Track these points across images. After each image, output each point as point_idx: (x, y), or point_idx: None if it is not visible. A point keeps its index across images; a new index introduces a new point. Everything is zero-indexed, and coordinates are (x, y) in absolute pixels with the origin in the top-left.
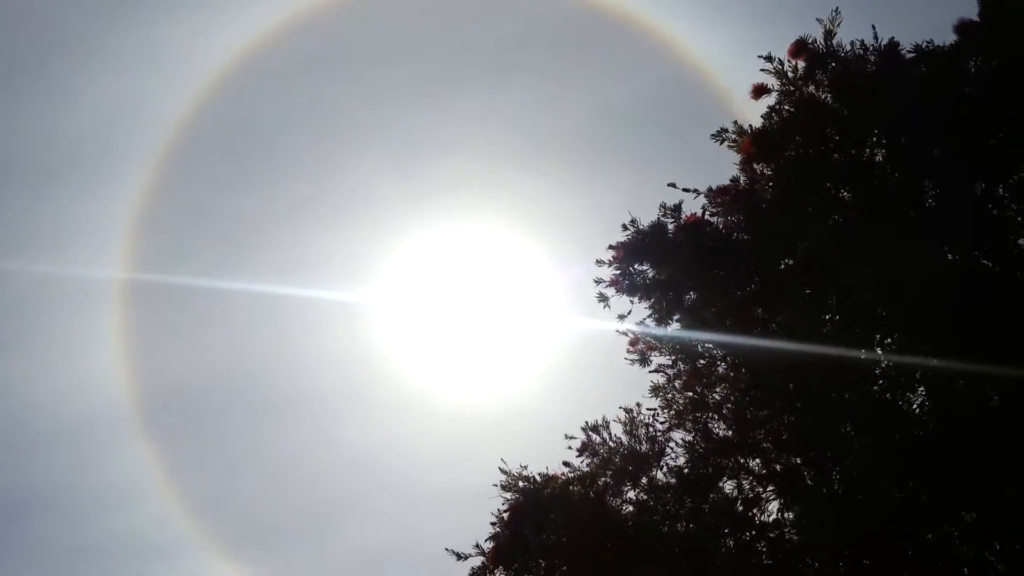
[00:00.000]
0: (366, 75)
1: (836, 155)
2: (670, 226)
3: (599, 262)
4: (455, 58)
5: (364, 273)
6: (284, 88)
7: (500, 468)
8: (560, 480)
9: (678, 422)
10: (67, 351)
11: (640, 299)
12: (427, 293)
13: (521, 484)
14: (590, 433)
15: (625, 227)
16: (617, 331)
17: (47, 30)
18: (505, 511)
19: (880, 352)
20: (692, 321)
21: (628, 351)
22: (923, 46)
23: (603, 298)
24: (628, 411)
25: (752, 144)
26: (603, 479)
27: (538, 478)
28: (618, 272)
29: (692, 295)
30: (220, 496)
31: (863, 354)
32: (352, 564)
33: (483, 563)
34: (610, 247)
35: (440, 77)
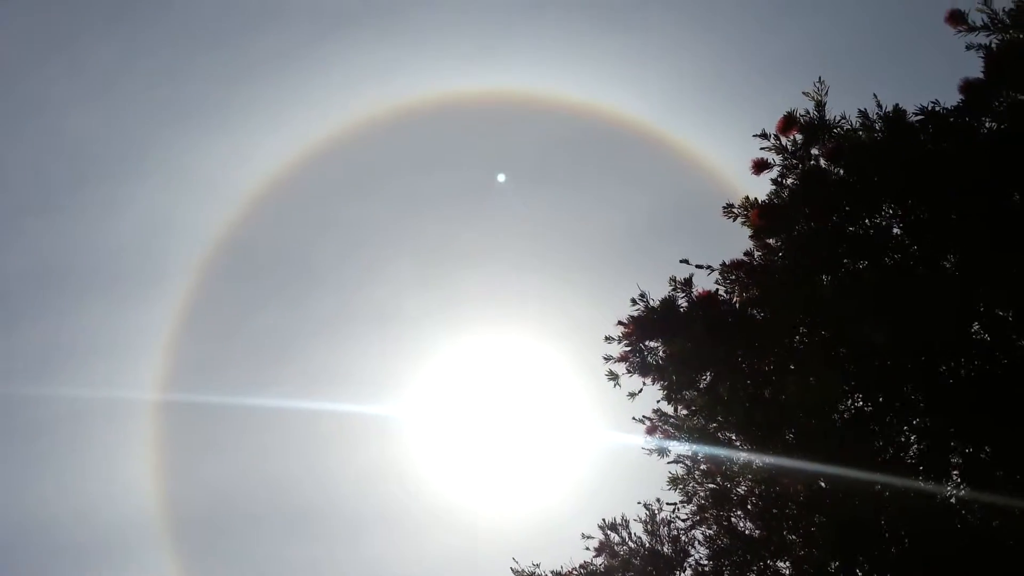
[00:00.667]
0: (391, 191)
1: (849, 227)
2: (681, 300)
3: (608, 338)
4: (481, 170)
5: (393, 387)
6: (314, 206)
7: (512, 568)
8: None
9: (700, 518)
10: (98, 466)
11: (653, 380)
12: (457, 405)
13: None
14: (608, 532)
15: (634, 301)
16: (633, 418)
17: (93, 145)
18: None
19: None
20: (707, 402)
21: (645, 440)
22: (928, 108)
23: (613, 376)
24: (648, 507)
25: (760, 217)
26: None
27: (550, 575)
28: (628, 349)
29: (707, 375)
30: None
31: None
32: None
33: None
34: (619, 323)
35: (465, 189)
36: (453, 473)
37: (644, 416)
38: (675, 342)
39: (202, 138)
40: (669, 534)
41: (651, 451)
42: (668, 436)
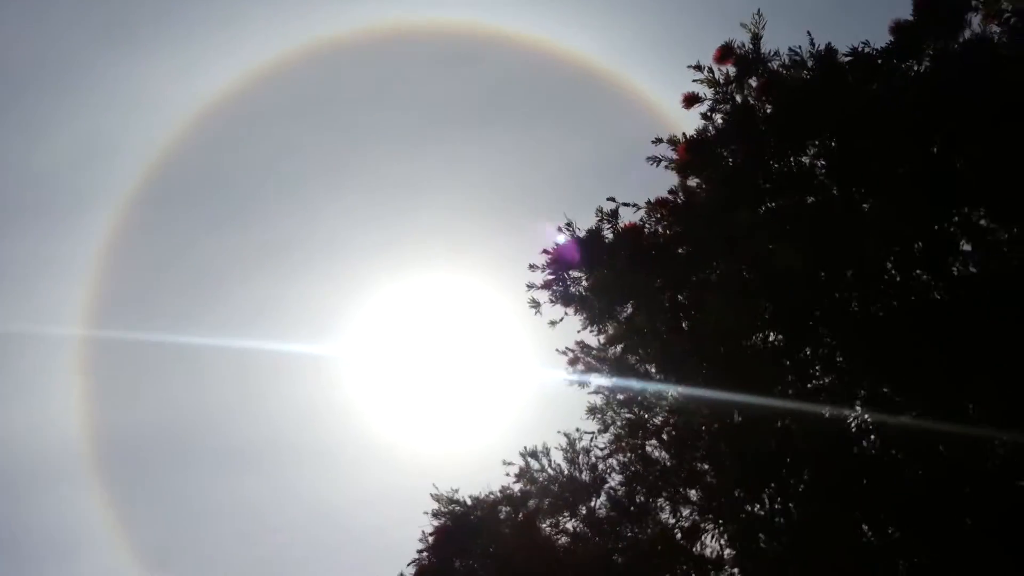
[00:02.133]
0: (343, 123)
1: (773, 163)
2: (607, 232)
3: (532, 266)
4: (432, 109)
5: (333, 325)
6: (258, 133)
7: (431, 494)
8: (489, 501)
9: (616, 447)
10: (21, 397)
11: (575, 311)
12: (396, 345)
13: (451, 508)
14: (528, 459)
15: (560, 230)
16: (556, 350)
17: (26, 62)
18: (431, 535)
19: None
20: (625, 332)
21: (568, 371)
22: (859, 49)
23: (535, 304)
24: (568, 436)
25: (687, 151)
26: (535, 502)
27: (468, 501)
28: (552, 277)
29: (627, 306)
30: (177, 548)
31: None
32: None
33: None
34: (544, 251)
35: (416, 127)
36: (391, 412)
37: (567, 348)
38: (598, 271)
39: (141, 57)
40: (587, 462)
41: (572, 383)
42: (589, 368)
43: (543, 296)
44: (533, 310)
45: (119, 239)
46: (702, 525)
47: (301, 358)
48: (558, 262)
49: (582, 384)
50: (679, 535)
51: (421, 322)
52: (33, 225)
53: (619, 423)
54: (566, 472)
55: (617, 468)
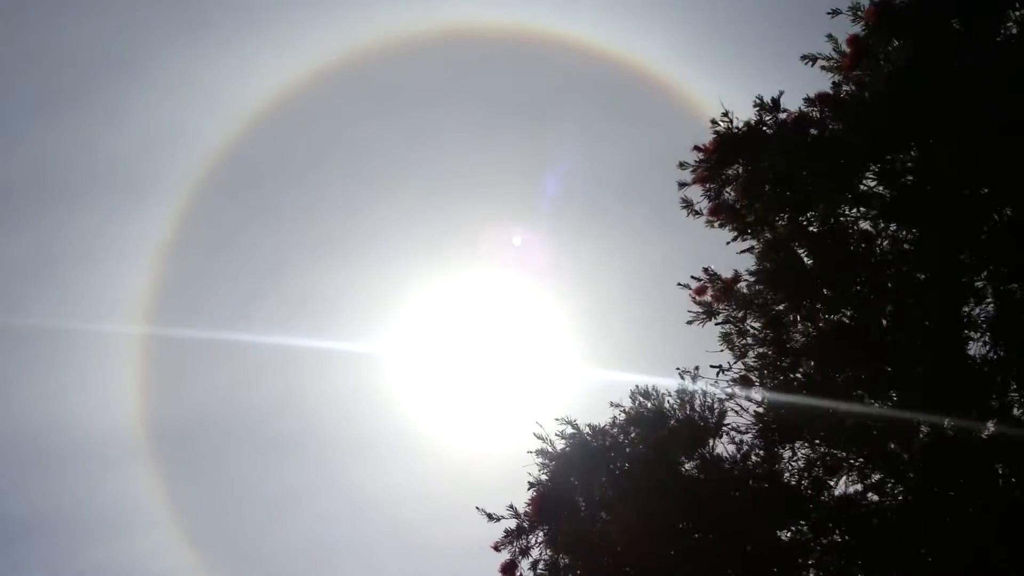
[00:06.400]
0: (398, 117)
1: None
2: (768, 123)
3: (682, 164)
4: (484, 106)
5: (377, 320)
6: (317, 127)
7: (534, 433)
8: (616, 426)
9: (752, 378)
10: (78, 385)
11: (722, 222)
12: (440, 342)
13: (568, 434)
14: (640, 399)
15: (714, 122)
16: (678, 284)
17: (94, 51)
18: (550, 462)
19: None
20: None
21: (693, 301)
22: None
23: (687, 204)
24: (688, 373)
25: (876, 15)
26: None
27: (587, 430)
28: (707, 172)
29: (785, 211)
30: (221, 529)
31: None
32: None
33: (524, 517)
34: (695, 148)
35: (471, 122)
36: (435, 410)
37: (693, 276)
38: (762, 161)
39: (208, 49)
40: (706, 403)
41: (699, 314)
42: (718, 299)
43: (696, 193)
44: (685, 211)
45: (178, 231)
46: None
47: (345, 354)
48: (715, 154)
49: (710, 314)
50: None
51: (465, 319)
52: (98, 209)
53: (756, 352)
54: (681, 412)
55: (740, 408)
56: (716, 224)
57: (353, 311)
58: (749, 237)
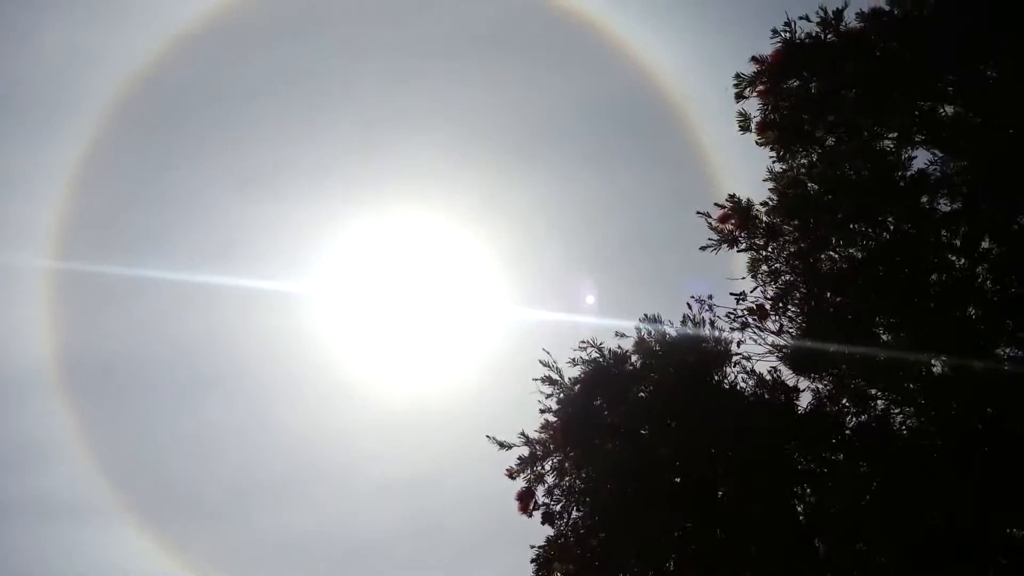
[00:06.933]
0: (335, 50)
1: None
2: (829, 35)
3: (738, 76)
4: (415, 46)
5: (306, 261)
6: (246, 51)
7: (541, 361)
8: (646, 343)
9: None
10: None
11: (771, 140)
12: (370, 283)
13: (590, 356)
14: (644, 326)
15: (775, 32)
16: (697, 212)
17: None
18: (575, 384)
19: None
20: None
21: (713, 228)
22: None
23: (743, 118)
24: (701, 302)
25: None
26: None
27: (607, 352)
28: (765, 87)
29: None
30: (140, 465)
31: None
32: (272, 546)
33: (536, 444)
34: (753, 59)
35: (407, 61)
36: (362, 350)
37: (717, 203)
38: (824, 81)
39: None
40: (715, 335)
41: (719, 242)
42: (741, 226)
43: (753, 107)
44: (741, 128)
45: (92, 159)
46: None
47: (270, 293)
48: (779, 65)
49: (731, 243)
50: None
51: (393, 260)
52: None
53: (786, 278)
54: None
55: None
56: (763, 142)
57: (281, 249)
58: (791, 158)
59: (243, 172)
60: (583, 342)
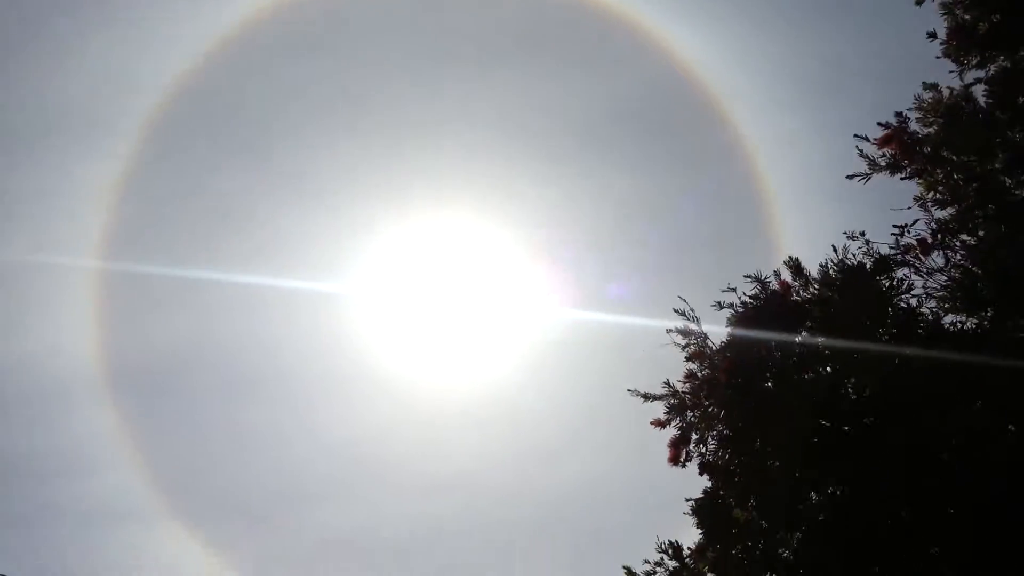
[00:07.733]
0: (364, 58)
1: None
2: None
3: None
4: (445, 48)
5: (344, 262)
6: (280, 66)
7: (675, 309)
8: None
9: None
10: (40, 318)
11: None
12: (406, 283)
13: (752, 292)
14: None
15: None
16: (855, 135)
17: None
18: (740, 310)
19: None
20: None
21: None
22: None
23: None
24: (859, 236)
25: None
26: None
27: (759, 293)
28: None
29: None
30: (185, 466)
31: None
32: (317, 545)
33: (684, 395)
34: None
35: (430, 66)
36: (402, 349)
37: (880, 123)
38: None
39: None
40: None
41: (875, 167)
42: (904, 152)
43: None
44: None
45: (134, 170)
46: None
47: (313, 294)
48: None
49: (894, 169)
50: None
51: (430, 260)
52: (53, 153)
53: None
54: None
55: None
56: None
57: (320, 251)
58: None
59: (282, 178)
60: (745, 275)
